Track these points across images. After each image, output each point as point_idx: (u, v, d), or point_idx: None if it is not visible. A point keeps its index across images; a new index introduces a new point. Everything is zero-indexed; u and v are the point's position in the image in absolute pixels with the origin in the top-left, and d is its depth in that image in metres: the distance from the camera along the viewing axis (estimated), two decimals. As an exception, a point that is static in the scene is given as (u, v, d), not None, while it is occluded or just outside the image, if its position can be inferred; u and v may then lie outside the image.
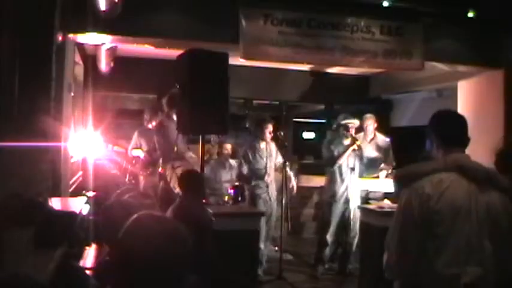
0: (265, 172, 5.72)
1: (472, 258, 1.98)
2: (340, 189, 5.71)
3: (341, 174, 5.72)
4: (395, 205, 2.33)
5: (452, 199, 2.01)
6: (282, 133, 5.88)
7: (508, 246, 2.06)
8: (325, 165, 5.87)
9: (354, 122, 5.75)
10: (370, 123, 6.02)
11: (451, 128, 2.22)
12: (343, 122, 5.73)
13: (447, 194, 2.01)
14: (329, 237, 5.74)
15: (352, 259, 5.72)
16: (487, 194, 2.06)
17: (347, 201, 5.69)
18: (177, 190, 5.29)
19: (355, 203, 5.63)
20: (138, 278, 1.35)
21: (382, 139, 6.11)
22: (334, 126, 5.89)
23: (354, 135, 5.73)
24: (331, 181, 5.78)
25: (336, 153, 5.71)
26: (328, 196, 5.82)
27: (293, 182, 5.88)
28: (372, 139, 6.02)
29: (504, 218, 2.06)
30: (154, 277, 1.35)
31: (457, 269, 1.97)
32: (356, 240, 5.61)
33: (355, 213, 5.62)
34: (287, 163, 5.71)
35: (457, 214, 2.00)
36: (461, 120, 2.25)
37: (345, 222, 5.72)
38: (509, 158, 3.06)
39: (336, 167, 5.70)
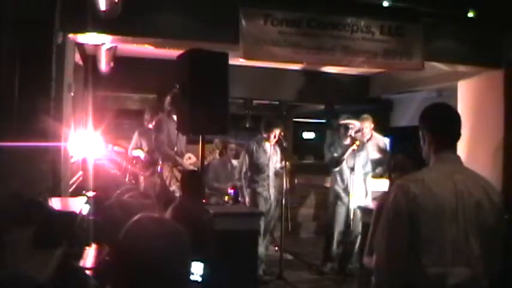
0: (267, 170, 5.76)
1: (458, 259, 1.96)
2: (342, 189, 5.76)
3: (341, 175, 5.76)
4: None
5: (437, 199, 1.98)
6: (282, 133, 5.89)
7: (496, 247, 2.04)
8: (329, 167, 5.89)
9: (355, 123, 5.77)
10: (367, 124, 6.08)
11: (443, 125, 2.16)
12: (344, 122, 5.75)
13: (433, 194, 1.99)
14: (336, 236, 5.78)
15: (353, 259, 5.73)
16: (477, 195, 2.03)
17: (347, 201, 5.71)
18: (173, 188, 5.31)
19: (356, 203, 5.65)
20: (138, 279, 1.35)
21: (381, 139, 6.17)
22: (335, 125, 5.92)
23: (353, 135, 5.76)
24: (334, 182, 5.84)
25: (336, 154, 5.74)
26: (332, 197, 5.88)
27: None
28: (369, 139, 6.05)
29: (493, 218, 2.03)
30: (154, 278, 1.35)
31: (442, 268, 1.95)
32: (358, 241, 5.62)
33: (355, 213, 5.63)
34: (287, 163, 5.72)
35: (442, 214, 1.97)
36: (454, 116, 2.19)
37: (346, 222, 5.74)
38: None
39: (337, 168, 5.75)
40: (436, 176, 2.06)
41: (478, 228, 2.00)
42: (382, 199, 3.22)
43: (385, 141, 6.23)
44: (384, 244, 2.07)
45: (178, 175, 5.24)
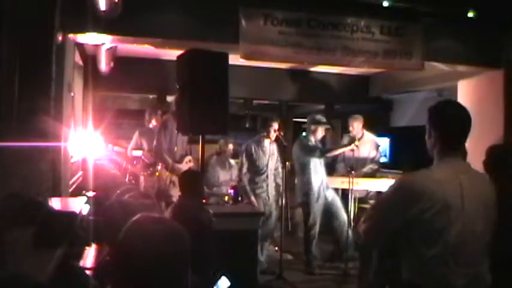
0: (266, 170, 5.73)
1: (464, 258, 1.96)
2: (316, 185, 5.77)
3: (316, 170, 5.80)
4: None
5: (444, 197, 1.96)
6: (282, 133, 5.89)
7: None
8: (314, 155, 5.83)
9: (323, 124, 5.84)
10: (357, 124, 6.21)
11: (453, 128, 2.14)
12: (315, 119, 5.88)
13: (439, 192, 1.97)
14: (314, 235, 5.83)
15: (345, 255, 5.74)
16: (481, 193, 2.05)
17: (324, 196, 5.79)
18: (170, 193, 5.28)
19: (331, 195, 5.78)
20: (138, 279, 1.36)
21: (372, 138, 6.29)
22: (306, 124, 6.06)
23: (351, 135, 5.82)
24: (305, 179, 5.84)
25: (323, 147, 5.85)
26: (302, 196, 5.89)
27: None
28: (361, 138, 6.12)
29: (497, 215, 2.07)
30: (154, 278, 1.35)
31: (448, 269, 1.95)
32: (344, 237, 5.65)
33: (335, 205, 5.76)
34: (287, 163, 5.71)
35: (448, 213, 1.96)
36: (465, 119, 2.16)
37: (328, 217, 5.83)
38: (498, 159, 3.08)
39: (311, 164, 5.77)
40: (442, 174, 2.05)
41: (483, 225, 2.00)
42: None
43: (376, 140, 6.38)
44: (374, 215, 2.12)
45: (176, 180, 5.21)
